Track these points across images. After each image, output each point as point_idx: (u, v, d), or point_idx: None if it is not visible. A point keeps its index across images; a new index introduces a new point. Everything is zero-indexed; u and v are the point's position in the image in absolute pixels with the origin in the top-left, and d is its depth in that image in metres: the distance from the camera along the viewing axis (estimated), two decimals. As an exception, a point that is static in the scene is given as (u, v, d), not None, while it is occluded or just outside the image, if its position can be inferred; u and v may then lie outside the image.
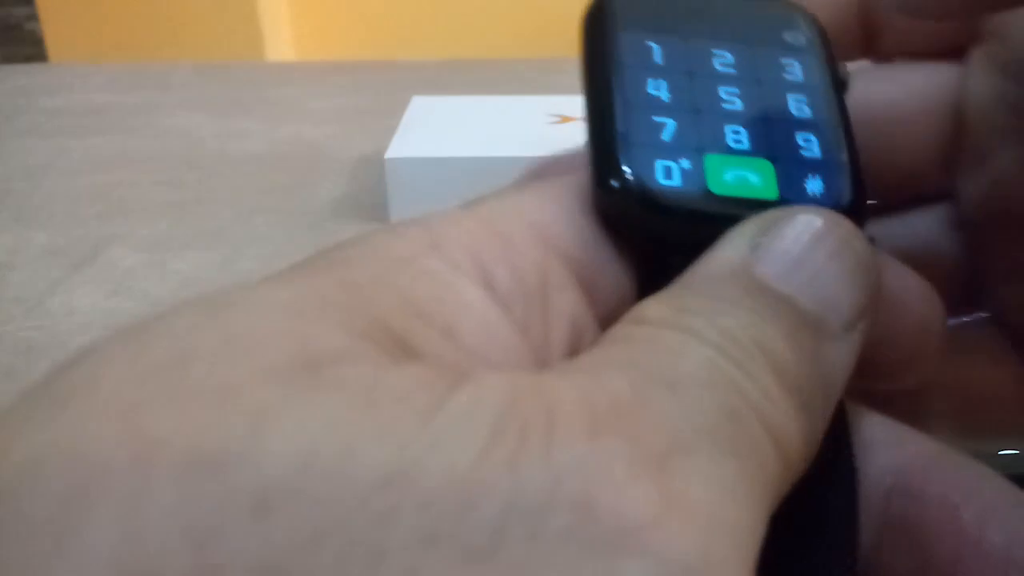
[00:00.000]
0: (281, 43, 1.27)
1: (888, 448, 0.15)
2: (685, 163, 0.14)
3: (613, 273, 0.14)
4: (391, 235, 0.13)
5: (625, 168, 0.14)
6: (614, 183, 0.14)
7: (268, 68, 0.94)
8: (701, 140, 0.15)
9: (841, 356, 0.13)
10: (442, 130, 0.50)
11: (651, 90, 0.15)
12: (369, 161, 0.56)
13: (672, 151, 0.14)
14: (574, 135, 0.18)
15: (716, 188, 0.14)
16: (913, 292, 0.15)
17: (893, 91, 0.19)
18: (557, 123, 0.51)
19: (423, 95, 0.55)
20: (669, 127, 0.15)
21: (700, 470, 0.10)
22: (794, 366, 0.12)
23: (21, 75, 0.79)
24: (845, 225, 0.14)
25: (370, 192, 0.52)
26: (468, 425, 0.10)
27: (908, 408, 0.17)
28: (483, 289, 0.13)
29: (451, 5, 1.25)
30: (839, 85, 0.16)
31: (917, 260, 0.17)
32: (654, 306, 0.13)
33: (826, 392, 0.13)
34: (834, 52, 0.17)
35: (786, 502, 0.12)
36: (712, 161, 0.14)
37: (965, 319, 0.20)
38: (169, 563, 0.08)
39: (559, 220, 0.14)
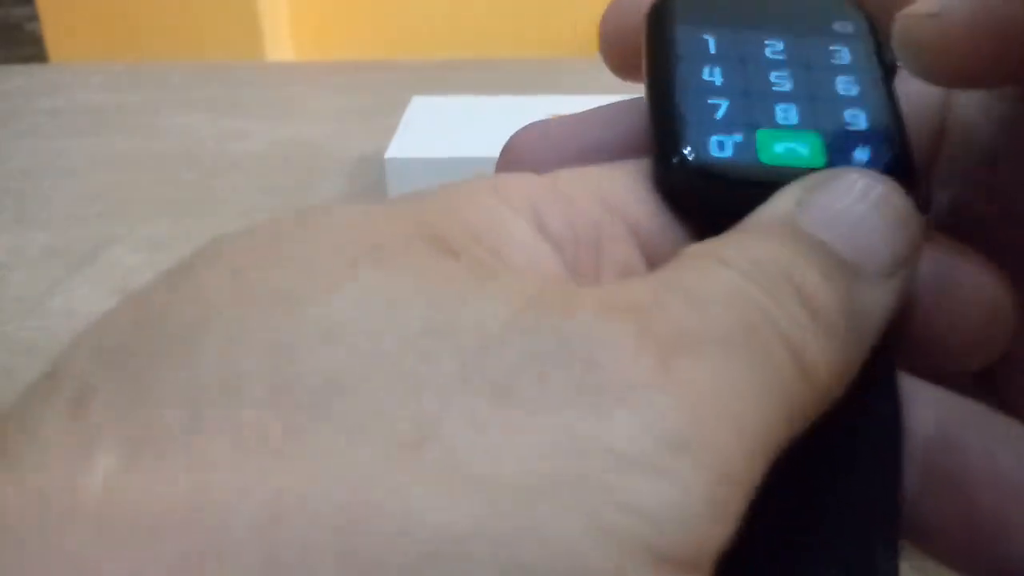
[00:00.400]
0: (281, 43, 1.27)
1: (927, 402, 0.15)
2: (738, 137, 0.16)
3: (671, 240, 0.15)
4: (460, 182, 0.15)
5: (683, 144, 0.15)
6: (674, 158, 0.15)
7: (268, 68, 0.94)
8: (753, 117, 0.16)
9: (877, 300, 0.14)
10: (442, 130, 0.50)
11: (706, 76, 0.16)
12: (369, 161, 0.56)
13: (726, 127, 0.16)
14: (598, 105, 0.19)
15: (766, 159, 0.15)
16: (980, 275, 0.16)
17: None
18: (557, 123, 0.51)
19: (423, 95, 0.55)
20: (723, 107, 0.16)
21: (707, 363, 0.11)
22: (823, 297, 0.13)
23: (21, 75, 0.79)
24: (888, 183, 0.14)
25: (370, 192, 0.52)
26: (498, 298, 0.12)
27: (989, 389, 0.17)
28: (535, 228, 0.14)
29: (451, 5, 1.25)
30: (887, 69, 0.17)
31: None
32: (698, 245, 0.14)
33: (860, 330, 0.13)
34: (881, 40, 0.17)
35: (832, 444, 0.13)
36: (763, 135, 0.16)
37: None
38: (250, 374, 0.11)
39: (622, 188, 0.16)
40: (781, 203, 0.14)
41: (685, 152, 0.15)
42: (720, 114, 0.16)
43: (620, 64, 0.18)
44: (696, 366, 0.11)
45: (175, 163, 0.57)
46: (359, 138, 0.60)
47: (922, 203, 0.16)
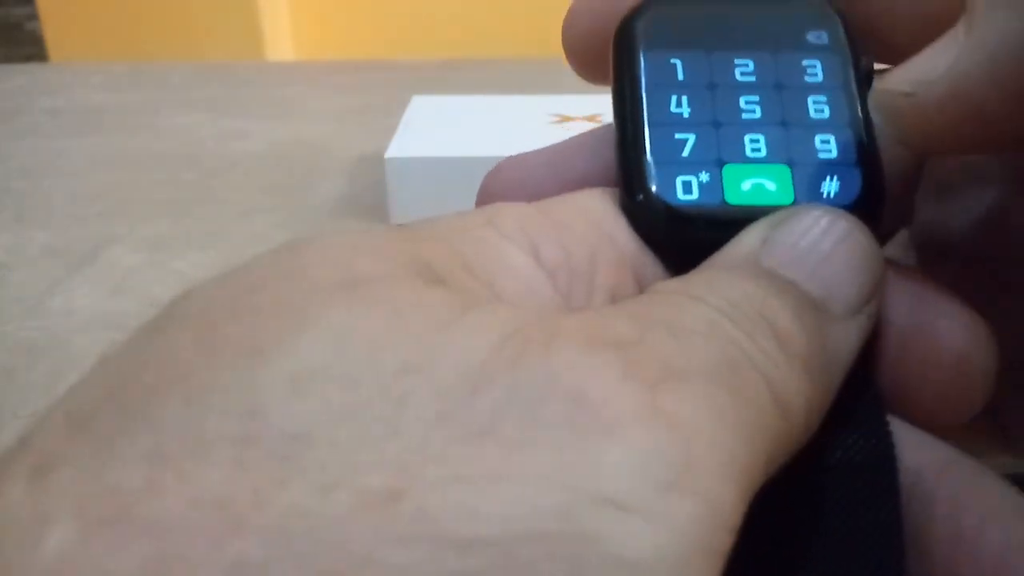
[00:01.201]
0: (281, 43, 1.27)
1: (909, 449, 0.15)
2: (704, 176, 0.15)
3: (658, 268, 0.16)
4: (455, 213, 0.15)
5: (647, 185, 0.15)
6: (639, 198, 0.15)
7: (268, 68, 0.94)
8: (720, 152, 0.16)
9: (846, 337, 0.14)
10: (442, 130, 0.50)
11: (673, 107, 0.16)
12: (369, 161, 0.55)
13: (692, 166, 0.16)
14: (573, 135, 0.18)
15: (732, 198, 0.15)
16: (953, 321, 0.15)
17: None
18: (557, 123, 0.51)
19: (423, 95, 0.55)
20: (690, 142, 0.16)
21: (692, 396, 0.11)
22: (796, 336, 0.13)
23: (21, 75, 0.79)
24: (850, 219, 0.15)
25: (370, 192, 0.52)
26: (479, 333, 0.11)
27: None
28: (529, 256, 0.14)
29: (451, 5, 1.25)
30: (862, 81, 0.17)
31: None
32: (667, 283, 0.14)
33: (830, 368, 0.13)
34: (858, 47, 0.17)
35: (828, 489, 0.13)
36: (730, 171, 0.16)
37: None
38: (215, 434, 0.10)
39: (614, 213, 0.16)
40: (747, 240, 0.15)
41: (650, 193, 0.15)
42: (687, 151, 0.16)
43: (587, 71, 0.18)
44: (684, 399, 0.11)
45: (175, 163, 0.57)
46: (359, 138, 0.60)
47: (899, 218, 0.16)
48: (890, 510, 0.14)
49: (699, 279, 0.14)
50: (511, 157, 0.18)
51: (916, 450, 0.15)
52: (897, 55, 0.16)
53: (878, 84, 0.15)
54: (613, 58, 0.17)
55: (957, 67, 0.14)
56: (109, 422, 0.10)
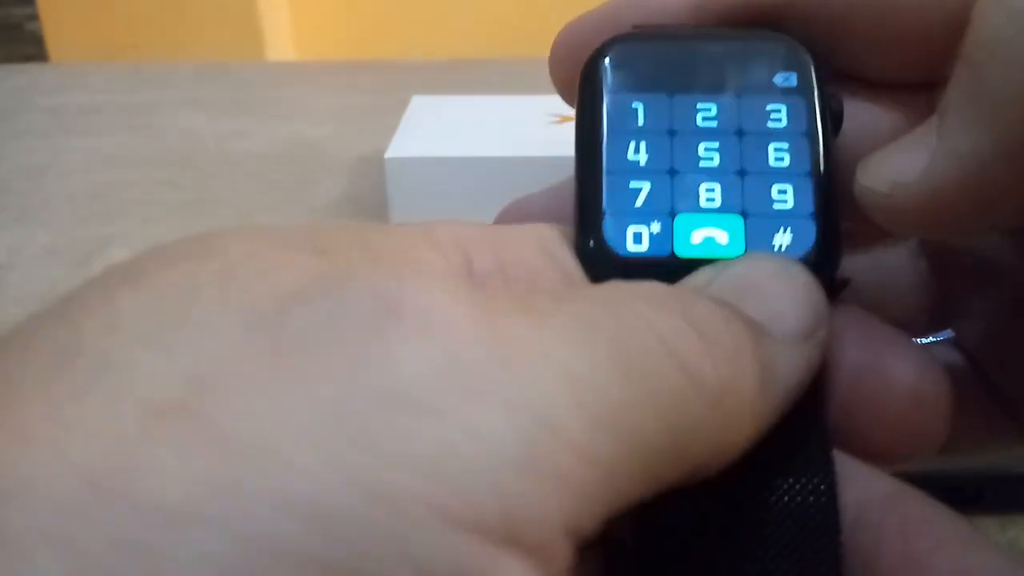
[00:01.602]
0: (281, 43, 1.27)
1: (853, 484, 0.15)
2: (655, 226, 0.16)
3: None
4: (394, 226, 0.15)
5: (599, 233, 0.16)
6: (590, 244, 0.16)
7: (268, 68, 0.94)
8: (674, 201, 0.16)
9: (790, 361, 0.14)
10: (442, 130, 0.50)
11: (631, 154, 0.16)
12: (369, 161, 0.55)
13: (644, 216, 0.16)
14: (572, 135, 0.18)
15: (682, 251, 0.15)
16: (904, 358, 0.15)
17: (873, 124, 0.19)
18: (557, 123, 0.51)
19: (423, 95, 0.55)
20: (644, 191, 0.16)
21: (548, 329, 0.11)
22: (717, 329, 0.13)
23: (21, 75, 0.79)
24: (796, 266, 0.15)
25: (370, 192, 0.52)
26: (306, 267, 0.12)
27: None
28: (458, 266, 0.14)
29: (451, 5, 1.25)
30: (828, 124, 0.16)
31: (887, 289, 0.18)
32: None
33: (766, 377, 0.14)
34: (827, 89, 0.17)
35: (773, 525, 0.13)
36: (682, 221, 0.16)
37: (935, 339, 0.20)
38: (40, 346, 0.11)
39: (560, 238, 0.16)
40: (694, 278, 0.15)
41: (601, 241, 0.15)
42: (640, 201, 0.16)
43: (572, 101, 0.18)
44: (533, 329, 0.11)
45: (175, 163, 0.57)
46: (359, 138, 0.60)
47: (840, 281, 0.16)
48: (831, 549, 0.14)
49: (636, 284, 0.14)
50: (516, 201, 0.19)
51: (865, 484, 0.15)
52: (861, 65, 0.17)
53: (860, 175, 0.16)
54: (578, 97, 0.17)
55: (930, 172, 0.14)
56: None
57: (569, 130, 0.17)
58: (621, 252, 0.15)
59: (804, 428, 0.14)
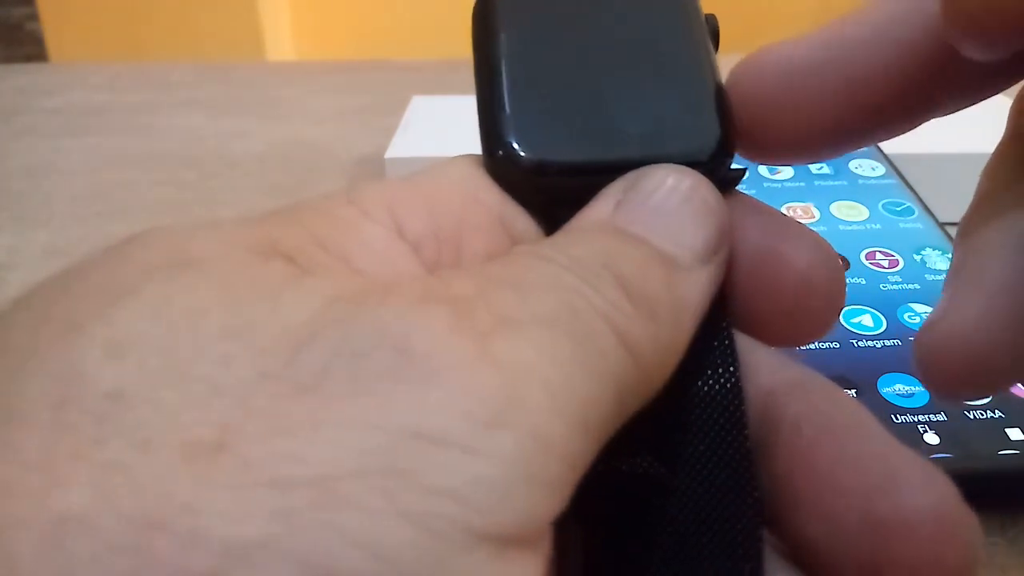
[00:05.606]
0: (281, 43, 1.27)
1: (762, 374, 0.16)
2: (558, 132, 0.16)
3: (530, 225, 0.16)
4: (316, 196, 0.15)
5: (506, 140, 0.16)
6: (499, 154, 0.16)
7: (268, 68, 0.94)
8: (573, 113, 0.17)
9: (696, 286, 0.15)
10: (442, 130, 0.50)
11: (530, 70, 0.17)
12: (369, 161, 0.56)
13: (548, 119, 0.16)
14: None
15: (585, 153, 0.16)
16: (797, 243, 0.16)
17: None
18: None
19: (423, 95, 0.55)
20: (547, 100, 0.17)
21: (527, 342, 0.12)
22: (642, 285, 0.14)
23: (21, 75, 0.79)
24: (693, 176, 0.16)
25: (370, 192, 0.52)
26: (307, 296, 0.12)
27: None
28: (388, 230, 0.14)
29: (451, 5, 1.25)
30: (708, 39, 0.18)
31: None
32: (520, 246, 0.15)
33: (682, 314, 0.14)
34: (701, 9, 0.18)
35: (678, 422, 0.15)
36: (582, 130, 0.17)
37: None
38: (34, 398, 0.10)
39: (483, 178, 0.16)
40: (600, 206, 0.15)
41: (509, 148, 0.16)
42: (544, 107, 0.17)
43: None
44: (516, 346, 0.12)
45: (175, 163, 0.57)
46: (359, 138, 0.60)
47: (736, 172, 0.17)
48: (741, 440, 0.15)
49: (551, 241, 0.15)
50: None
51: (771, 373, 0.16)
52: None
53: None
54: (473, 31, 0.18)
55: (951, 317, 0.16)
56: None
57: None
58: (530, 154, 0.16)
59: (710, 328, 0.15)
